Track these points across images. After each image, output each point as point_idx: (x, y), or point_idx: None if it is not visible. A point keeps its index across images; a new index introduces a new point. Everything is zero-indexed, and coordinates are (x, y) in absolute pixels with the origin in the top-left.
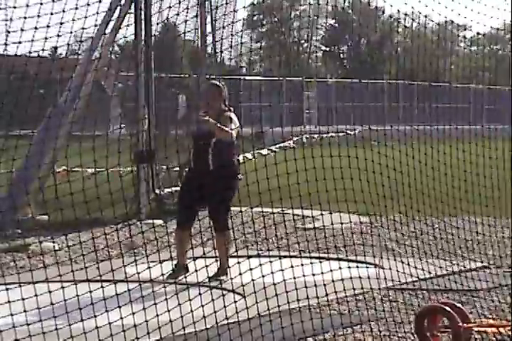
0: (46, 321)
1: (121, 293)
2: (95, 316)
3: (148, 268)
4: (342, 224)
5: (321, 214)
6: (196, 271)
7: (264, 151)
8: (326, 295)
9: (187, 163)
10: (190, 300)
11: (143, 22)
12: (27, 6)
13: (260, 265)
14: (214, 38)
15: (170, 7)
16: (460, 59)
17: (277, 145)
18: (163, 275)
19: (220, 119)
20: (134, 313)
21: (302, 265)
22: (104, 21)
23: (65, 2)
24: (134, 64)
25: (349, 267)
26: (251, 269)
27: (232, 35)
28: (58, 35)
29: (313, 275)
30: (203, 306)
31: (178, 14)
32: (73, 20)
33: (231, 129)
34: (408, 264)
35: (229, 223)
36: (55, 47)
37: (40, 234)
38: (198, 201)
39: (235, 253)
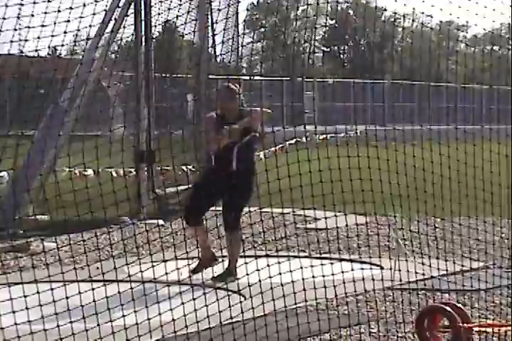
0: (48, 320)
1: (121, 292)
2: (96, 314)
3: (152, 267)
4: (341, 225)
5: (322, 216)
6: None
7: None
8: (328, 295)
9: (201, 162)
10: (196, 300)
11: (143, 22)
12: (33, 3)
13: (258, 266)
14: (214, 39)
15: (163, 10)
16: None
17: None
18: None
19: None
20: (135, 311)
21: (301, 267)
22: (105, 21)
23: (66, 2)
24: (134, 64)
25: (351, 269)
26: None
27: (231, 37)
28: (60, 34)
29: (314, 277)
30: (206, 306)
31: (178, 15)
32: (70, 19)
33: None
34: (408, 264)
35: (240, 223)
36: (56, 47)
37: (40, 234)
38: (213, 199)
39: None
